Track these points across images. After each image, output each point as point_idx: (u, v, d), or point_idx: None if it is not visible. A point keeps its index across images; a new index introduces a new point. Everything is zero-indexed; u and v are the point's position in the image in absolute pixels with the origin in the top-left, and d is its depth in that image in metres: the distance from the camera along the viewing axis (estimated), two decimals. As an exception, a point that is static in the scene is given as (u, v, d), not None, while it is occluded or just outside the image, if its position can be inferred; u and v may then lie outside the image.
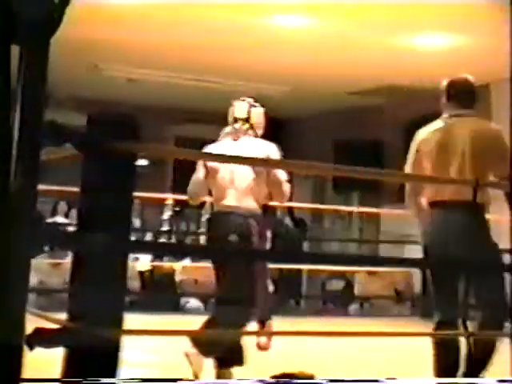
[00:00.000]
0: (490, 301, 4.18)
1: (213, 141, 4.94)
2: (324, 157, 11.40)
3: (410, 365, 5.47)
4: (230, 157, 4.26)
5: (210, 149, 4.78)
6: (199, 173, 4.80)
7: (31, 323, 2.04)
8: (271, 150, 4.72)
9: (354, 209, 11.67)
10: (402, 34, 8.35)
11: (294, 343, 5.41)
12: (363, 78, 10.16)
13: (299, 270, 11.18)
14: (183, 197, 10.25)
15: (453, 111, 4.36)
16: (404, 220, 10.55)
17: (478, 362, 4.11)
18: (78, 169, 2.31)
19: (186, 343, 4.56)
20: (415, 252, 9.45)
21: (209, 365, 4.68)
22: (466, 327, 4.27)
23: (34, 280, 8.67)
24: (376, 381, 2.64)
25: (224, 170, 4.71)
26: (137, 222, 11.50)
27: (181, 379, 2.46)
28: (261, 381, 2.36)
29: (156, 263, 10.22)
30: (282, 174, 4.74)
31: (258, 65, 9.67)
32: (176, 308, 9.75)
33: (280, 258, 4.17)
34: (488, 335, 4.25)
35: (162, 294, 10.09)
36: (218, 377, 4.64)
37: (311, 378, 2.58)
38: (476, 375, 4.06)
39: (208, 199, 5.29)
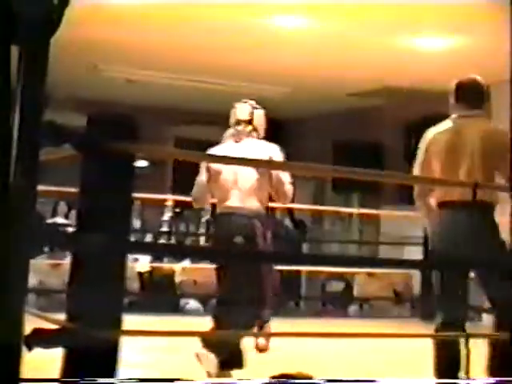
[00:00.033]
0: (503, 301, 4.17)
1: (213, 142, 4.96)
2: (324, 158, 11.40)
3: (409, 366, 5.47)
4: (231, 158, 4.27)
5: (213, 151, 4.80)
6: (202, 176, 4.83)
7: (30, 323, 2.04)
8: (274, 152, 4.75)
9: (354, 210, 11.66)
10: (402, 35, 8.34)
11: (293, 344, 5.40)
12: (363, 79, 10.16)
13: (299, 272, 11.17)
14: (183, 198, 10.25)
15: (462, 112, 4.37)
16: (404, 221, 10.57)
17: (501, 362, 4.09)
18: (78, 169, 2.32)
19: (185, 344, 4.56)
20: (415, 253, 9.51)
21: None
22: (464, 329, 4.28)
23: (33, 280, 8.66)
24: (377, 381, 2.64)
25: (227, 172, 4.73)
26: (137, 223, 11.50)
27: (180, 379, 2.46)
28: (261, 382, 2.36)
29: (155, 264, 10.21)
30: (284, 175, 4.76)
31: (258, 66, 9.67)
32: (175, 309, 9.74)
33: (280, 260, 4.18)
34: (488, 336, 4.25)
35: (161, 295, 10.08)
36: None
37: (309, 379, 2.58)
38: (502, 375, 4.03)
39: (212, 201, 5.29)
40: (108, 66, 10.13)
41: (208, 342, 4.53)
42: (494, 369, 4.13)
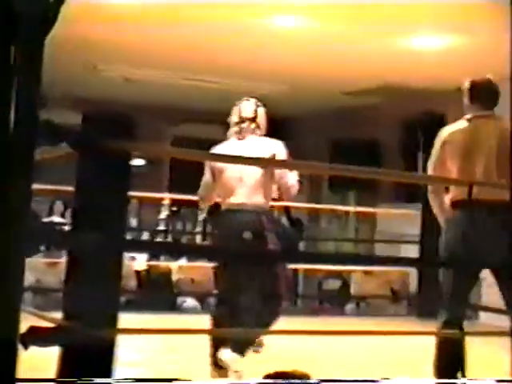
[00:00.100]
0: None
1: (211, 140, 4.98)
2: (320, 156, 11.41)
3: (406, 363, 5.48)
4: (228, 157, 4.28)
5: (216, 149, 4.84)
6: (206, 175, 4.87)
7: (27, 322, 2.04)
8: (278, 148, 4.80)
9: (351, 208, 11.67)
10: (399, 34, 8.34)
11: (290, 342, 5.41)
12: (360, 78, 10.16)
13: (296, 270, 11.18)
14: (180, 196, 10.22)
15: (476, 112, 4.40)
16: (400, 219, 10.58)
17: None
18: (74, 168, 2.32)
19: (182, 342, 4.56)
20: (411, 251, 9.52)
21: (206, 364, 4.69)
22: (461, 328, 4.29)
23: (30, 279, 8.66)
24: (376, 381, 2.65)
25: (231, 169, 4.76)
26: (134, 222, 11.50)
27: (178, 379, 2.46)
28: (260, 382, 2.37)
29: (152, 263, 10.21)
30: (290, 171, 4.79)
31: (254, 64, 9.67)
32: (173, 307, 9.73)
33: (277, 258, 4.18)
34: (487, 334, 4.26)
35: (158, 294, 10.08)
36: (213, 377, 4.65)
37: (305, 376, 2.58)
38: None
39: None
40: (106, 65, 10.12)
41: (234, 342, 4.58)
42: None
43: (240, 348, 4.60)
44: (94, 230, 2.15)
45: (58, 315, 2.27)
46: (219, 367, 4.62)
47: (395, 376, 2.87)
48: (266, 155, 4.70)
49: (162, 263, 10.30)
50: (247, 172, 4.73)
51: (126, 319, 2.33)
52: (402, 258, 7.43)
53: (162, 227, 11.46)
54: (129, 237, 9.38)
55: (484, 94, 4.44)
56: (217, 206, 5.03)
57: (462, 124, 4.43)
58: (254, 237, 4.64)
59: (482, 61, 7.84)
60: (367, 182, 10.45)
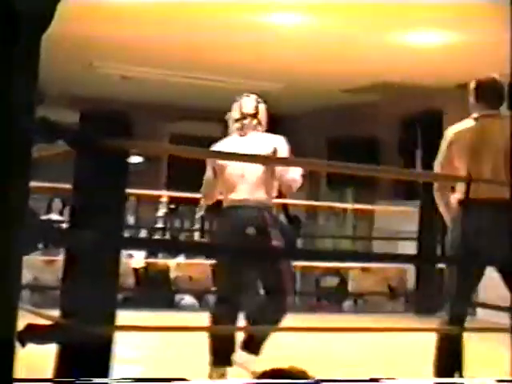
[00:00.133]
0: None
1: (208, 138, 4.98)
2: (318, 153, 11.40)
3: (403, 360, 5.49)
4: (229, 154, 4.28)
5: (218, 145, 4.84)
6: (208, 172, 4.87)
7: (24, 319, 2.04)
8: (280, 143, 4.82)
9: (349, 206, 11.67)
10: (397, 31, 8.34)
11: (287, 339, 5.41)
12: (357, 75, 10.16)
13: (293, 267, 11.17)
14: (178, 194, 10.21)
15: (482, 111, 4.41)
16: (398, 217, 10.59)
17: None
18: (72, 165, 2.32)
19: (180, 340, 4.56)
20: (409, 248, 9.53)
21: (205, 362, 4.69)
22: (463, 326, 4.29)
23: (27, 277, 8.66)
24: (376, 381, 2.65)
25: (233, 165, 4.76)
26: (131, 219, 11.49)
27: (177, 379, 2.46)
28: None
29: (150, 260, 10.21)
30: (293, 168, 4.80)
31: (252, 62, 9.67)
32: (171, 305, 9.74)
33: (281, 254, 4.19)
34: (486, 331, 4.26)
35: (156, 291, 10.08)
36: (211, 376, 4.65)
37: (302, 373, 2.58)
38: None
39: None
40: (103, 63, 10.11)
41: (247, 342, 4.57)
42: None
43: (254, 348, 4.62)
44: (91, 228, 2.15)
45: (56, 313, 2.27)
46: (221, 367, 4.64)
47: (392, 372, 2.87)
48: (269, 151, 4.71)
49: (160, 261, 10.30)
50: (249, 168, 4.74)
51: (123, 316, 2.33)
52: (399, 254, 7.43)
53: (159, 225, 11.46)
54: (127, 234, 9.38)
55: (490, 93, 4.44)
56: (216, 202, 5.03)
57: (468, 123, 4.44)
58: (258, 233, 4.64)
59: (481, 59, 7.85)
60: (365, 179, 10.47)
